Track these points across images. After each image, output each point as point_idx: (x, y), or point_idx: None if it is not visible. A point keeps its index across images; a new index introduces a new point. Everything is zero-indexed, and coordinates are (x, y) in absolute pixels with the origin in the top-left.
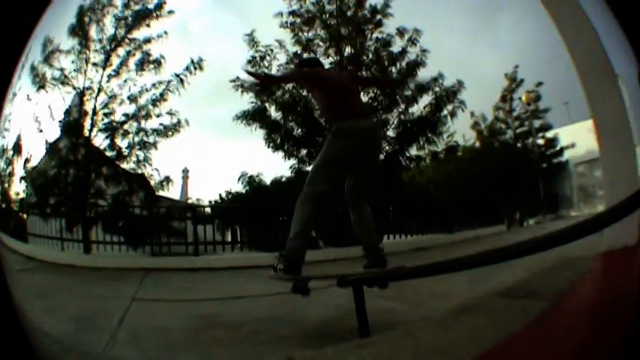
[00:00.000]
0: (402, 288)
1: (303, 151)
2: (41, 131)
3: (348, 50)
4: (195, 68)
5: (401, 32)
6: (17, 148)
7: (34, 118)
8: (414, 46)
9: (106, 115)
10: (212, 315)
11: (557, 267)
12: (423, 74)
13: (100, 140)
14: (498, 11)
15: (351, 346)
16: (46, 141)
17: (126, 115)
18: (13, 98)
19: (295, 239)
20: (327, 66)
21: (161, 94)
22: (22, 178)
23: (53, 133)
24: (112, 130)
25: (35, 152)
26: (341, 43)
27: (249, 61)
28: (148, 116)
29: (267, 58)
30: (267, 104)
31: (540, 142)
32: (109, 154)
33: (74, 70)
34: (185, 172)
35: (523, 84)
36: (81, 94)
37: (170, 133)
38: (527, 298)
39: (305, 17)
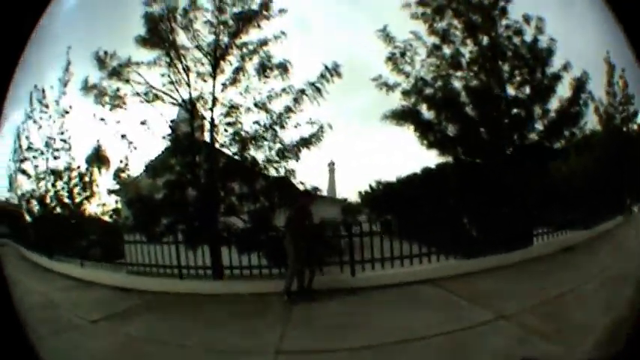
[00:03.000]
0: None
1: (459, 149)
2: (133, 147)
3: (485, 40)
4: (331, 75)
5: (527, 20)
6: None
7: (119, 136)
8: (541, 34)
9: (229, 124)
10: None
11: None
12: None
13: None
14: None
15: None
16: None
17: (257, 123)
18: (65, 114)
19: None
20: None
21: (295, 99)
22: (111, 191)
23: (150, 149)
24: (241, 142)
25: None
26: (477, 32)
27: (388, 59)
28: (282, 126)
29: (408, 53)
30: (415, 101)
31: (635, 127)
32: (238, 168)
33: (169, 83)
34: (331, 165)
35: (615, 69)
36: (190, 107)
37: (314, 140)
38: None
39: (434, 6)
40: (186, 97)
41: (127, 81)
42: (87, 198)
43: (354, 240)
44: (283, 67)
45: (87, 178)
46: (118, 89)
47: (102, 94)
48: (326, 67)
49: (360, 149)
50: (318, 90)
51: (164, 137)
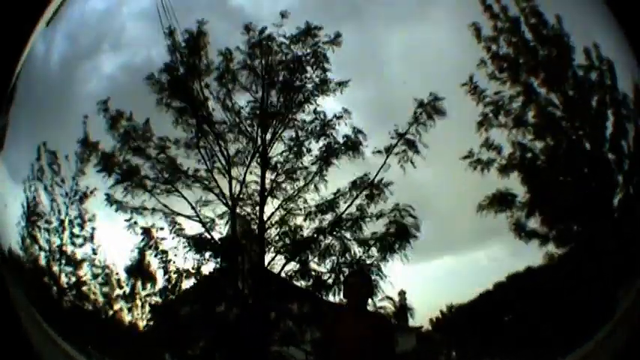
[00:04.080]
0: None
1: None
2: (154, 247)
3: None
4: (429, 116)
5: (587, 53)
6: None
7: (137, 229)
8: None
9: (284, 235)
10: None
11: None
12: None
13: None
14: None
15: None
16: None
17: (321, 231)
18: (84, 198)
19: None
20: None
21: (370, 195)
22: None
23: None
24: (300, 251)
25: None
26: (557, 84)
27: (480, 123)
28: (356, 224)
29: (502, 112)
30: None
31: None
32: (298, 282)
33: (206, 171)
34: (402, 294)
35: None
36: (230, 203)
37: (408, 239)
38: None
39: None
40: (225, 189)
41: (149, 157)
42: (128, 308)
43: None
44: (354, 147)
45: (127, 288)
46: (136, 166)
47: (111, 162)
48: (421, 104)
49: (428, 268)
50: (412, 145)
51: (194, 238)
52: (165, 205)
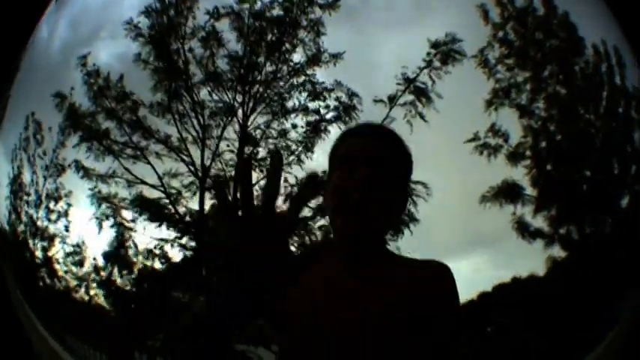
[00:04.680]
0: None
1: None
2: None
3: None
4: (445, 60)
5: (596, 50)
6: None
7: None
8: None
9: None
10: None
11: None
12: None
13: None
14: None
15: None
16: None
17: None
18: (61, 171)
19: None
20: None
21: None
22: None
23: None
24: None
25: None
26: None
27: (488, 102)
28: None
29: (514, 91)
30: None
31: None
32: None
33: (178, 140)
34: None
35: None
36: (200, 173)
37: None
38: None
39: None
40: (196, 158)
41: (119, 119)
42: (99, 292)
43: None
44: (347, 113)
45: (103, 273)
46: (106, 130)
47: (79, 118)
48: (435, 45)
49: None
50: (423, 93)
51: (154, 209)
52: (127, 169)
